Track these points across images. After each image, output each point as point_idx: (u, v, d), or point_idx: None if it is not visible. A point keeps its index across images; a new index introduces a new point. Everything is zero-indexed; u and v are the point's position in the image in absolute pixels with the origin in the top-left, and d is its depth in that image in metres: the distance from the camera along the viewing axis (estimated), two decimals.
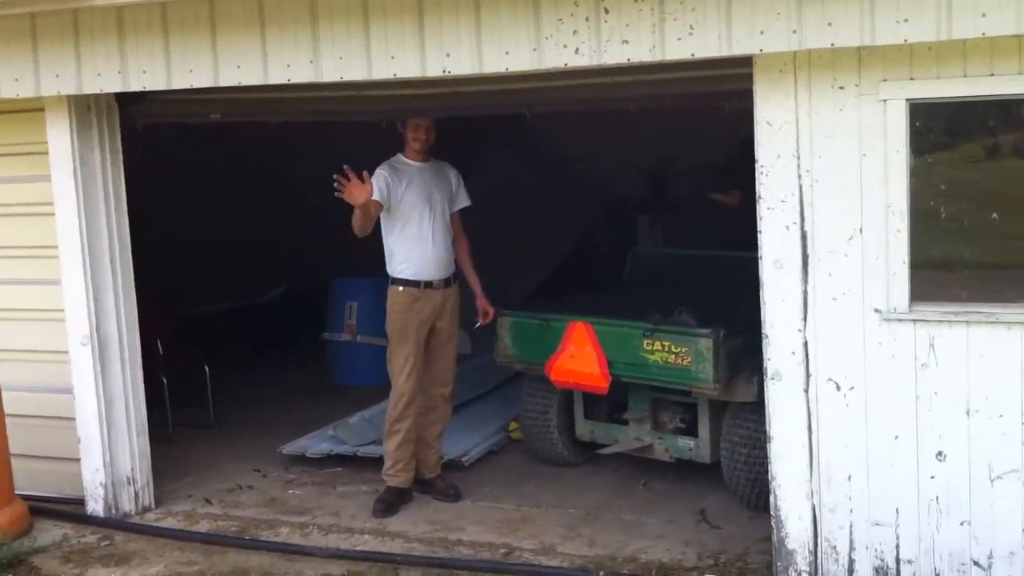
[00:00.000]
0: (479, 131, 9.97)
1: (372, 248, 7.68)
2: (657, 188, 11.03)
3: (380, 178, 6.14)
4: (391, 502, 6.34)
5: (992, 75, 4.39)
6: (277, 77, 5.44)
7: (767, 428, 4.95)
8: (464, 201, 6.51)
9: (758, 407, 5.76)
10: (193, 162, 9.33)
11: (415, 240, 6.24)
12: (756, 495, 5.87)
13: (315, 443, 7.35)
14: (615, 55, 4.79)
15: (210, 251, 10.08)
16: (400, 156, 6.35)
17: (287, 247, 11.35)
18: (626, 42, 4.76)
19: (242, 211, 10.52)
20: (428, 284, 6.26)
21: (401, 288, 6.26)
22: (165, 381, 7.75)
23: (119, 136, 6.34)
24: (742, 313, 6.12)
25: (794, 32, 4.48)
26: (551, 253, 10.78)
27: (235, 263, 10.46)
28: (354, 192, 5.81)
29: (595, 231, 11.14)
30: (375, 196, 6.02)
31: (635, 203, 10.80)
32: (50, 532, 6.24)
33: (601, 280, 10.04)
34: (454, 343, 6.51)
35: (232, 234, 10.35)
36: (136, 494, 6.49)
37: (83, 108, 6.15)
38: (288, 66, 5.40)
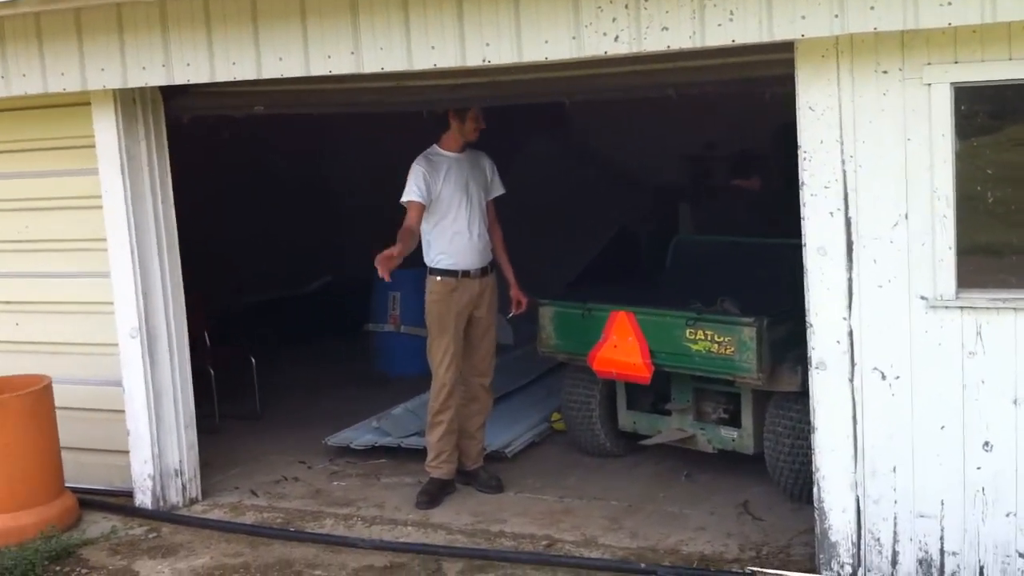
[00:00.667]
0: (519, 119, 9.96)
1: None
2: (697, 176, 10.97)
3: (420, 177, 6.15)
4: (434, 494, 6.35)
5: None
6: (318, 69, 5.45)
7: (811, 418, 4.89)
8: (499, 190, 6.52)
9: (802, 397, 5.71)
10: (236, 155, 9.42)
11: (452, 230, 6.25)
12: (799, 486, 5.82)
13: (359, 435, 7.39)
14: (655, 42, 4.75)
15: (254, 243, 10.18)
16: (436, 147, 6.34)
17: (331, 239, 11.44)
18: (666, 29, 4.71)
19: (285, 203, 10.62)
20: (465, 273, 6.27)
21: (439, 278, 6.26)
22: (212, 373, 7.81)
23: (164, 129, 6.39)
24: (786, 301, 6.08)
25: (836, 16, 4.42)
26: (590, 242, 10.74)
27: (279, 255, 10.56)
28: (383, 265, 5.88)
29: (634, 220, 11.08)
30: (416, 198, 6.09)
31: (675, 191, 10.74)
32: (99, 524, 6.32)
33: (641, 269, 10.00)
34: (493, 332, 6.51)
35: (276, 226, 10.45)
36: (184, 486, 6.55)
37: (128, 101, 6.21)
38: (329, 57, 5.41)
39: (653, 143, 10.44)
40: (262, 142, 9.64)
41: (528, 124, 10.86)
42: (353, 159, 11.56)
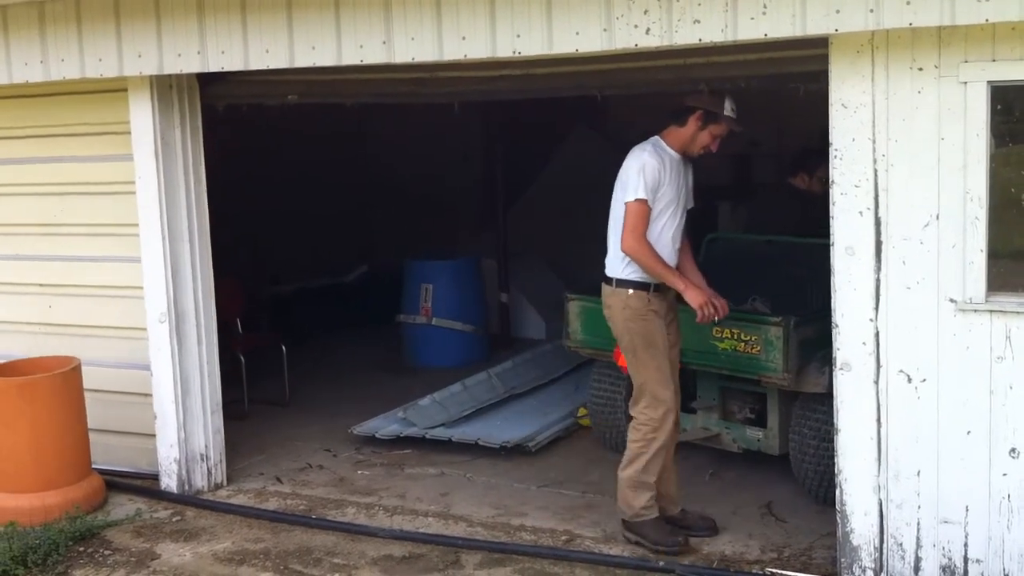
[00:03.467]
0: (559, 110, 9.91)
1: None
2: (740, 173, 10.88)
3: (654, 173, 5.25)
4: (669, 528, 5.52)
5: None
6: (350, 58, 5.45)
7: (835, 419, 4.83)
8: (691, 202, 5.60)
9: (828, 398, 5.61)
10: (277, 144, 9.47)
11: (659, 238, 5.36)
12: (824, 489, 5.74)
13: (385, 424, 7.40)
14: (686, 35, 4.70)
15: (293, 231, 10.24)
16: (661, 141, 5.41)
17: (369, 229, 11.49)
18: (697, 22, 4.66)
19: (325, 192, 10.67)
20: (657, 288, 5.40)
21: (631, 291, 5.37)
22: (243, 359, 7.85)
23: (199, 115, 6.43)
24: (817, 301, 6.00)
25: (871, 11, 4.34)
26: None
27: (317, 244, 10.62)
28: (709, 307, 5.34)
29: None
30: (647, 197, 5.24)
31: (716, 189, 10.66)
32: (124, 506, 6.37)
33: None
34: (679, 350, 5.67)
35: (315, 215, 10.51)
36: (209, 471, 6.59)
37: (165, 88, 6.25)
38: (361, 47, 5.40)
39: None
40: (304, 131, 9.67)
41: (568, 115, 10.85)
42: (395, 149, 11.59)
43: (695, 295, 5.32)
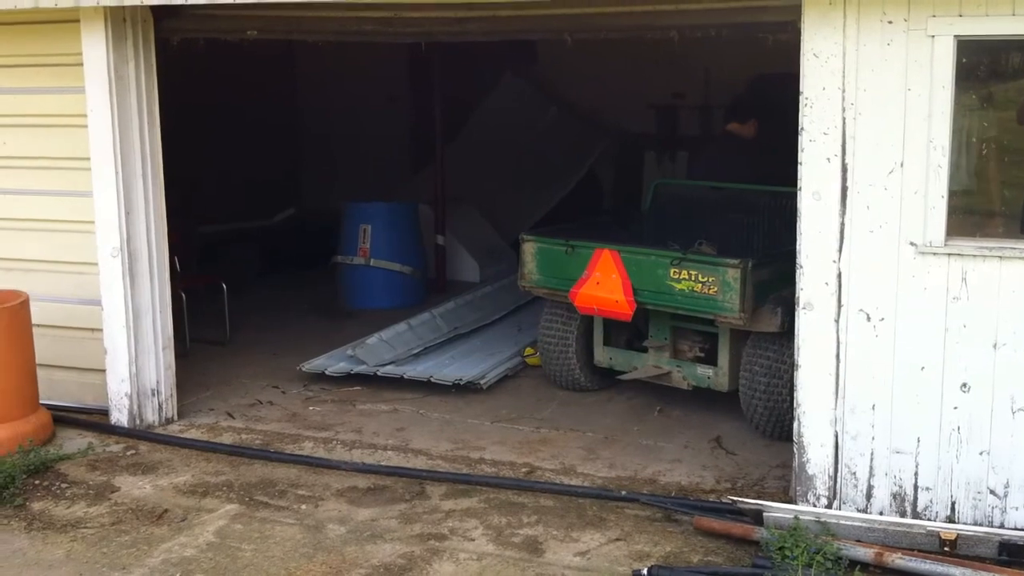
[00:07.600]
0: (488, 58, 10.01)
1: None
2: (666, 124, 11.13)
3: None
4: None
5: None
6: None
7: (795, 356, 5.06)
8: None
9: (779, 337, 5.93)
10: (207, 83, 9.35)
11: None
12: (773, 424, 6.02)
13: (333, 362, 7.45)
14: None
15: (218, 173, 10.14)
16: None
17: (296, 172, 11.44)
18: None
19: (250, 135, 10.58)
20: None
21: None
22: (183, 296, 7.80)
23: (153, 49, 6.34)
24: (761, 245, 6.25)
25: None
26: (556, 186, 10.86)
27: (243, 186, 10.54)
28: None
29: (600, 166, 11.23)
30: None
31: (643, 139, 10.89)
32: (74, 440, 6.34)
33: (606, 214, 10.15)
34: None
35: (239, 158, 10.42)
36: (160, 406, 6.58)
37: (119, 20, 6.15)
38: None
39: (622, 90, 10.56)
40: (231, 73, 9.56)
41: (498, 63, 10.94)
42: (321, 95, 11.54)
43: None
